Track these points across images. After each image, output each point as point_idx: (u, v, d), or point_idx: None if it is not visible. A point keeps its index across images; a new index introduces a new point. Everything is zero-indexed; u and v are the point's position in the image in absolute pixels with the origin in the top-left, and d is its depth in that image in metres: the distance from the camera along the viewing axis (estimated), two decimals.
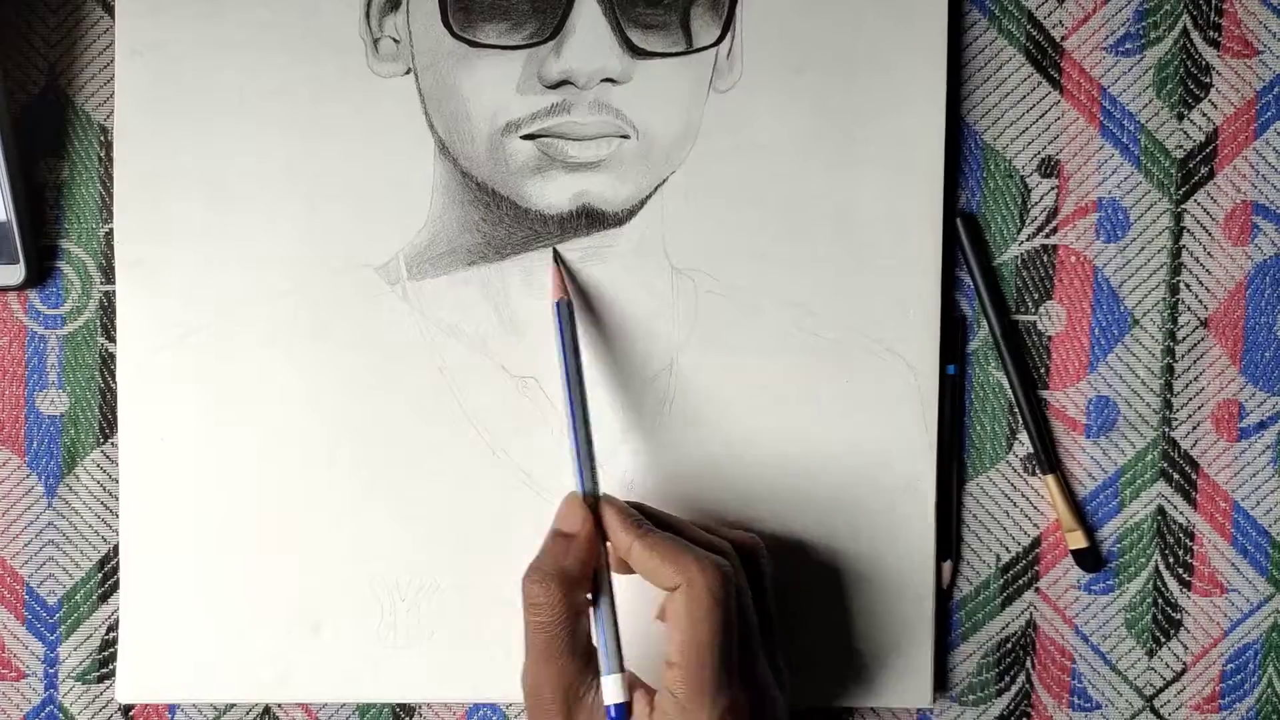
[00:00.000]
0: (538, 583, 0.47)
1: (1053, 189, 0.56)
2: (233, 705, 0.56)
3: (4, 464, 0.56)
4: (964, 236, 0.55)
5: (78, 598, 0.56)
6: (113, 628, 0.56)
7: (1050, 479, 0.55)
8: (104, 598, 0.56)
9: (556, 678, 0.47)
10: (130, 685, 0.55)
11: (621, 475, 0.55)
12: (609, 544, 0.49)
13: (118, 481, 0.55)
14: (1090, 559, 0.55)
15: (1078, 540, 0.55)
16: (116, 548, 0.55)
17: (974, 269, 0.55)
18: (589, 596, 0.48)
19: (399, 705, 0.56)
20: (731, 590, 0.47)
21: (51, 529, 0.56)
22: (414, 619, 0.55)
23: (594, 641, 0.48)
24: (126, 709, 0.56)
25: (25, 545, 0.56)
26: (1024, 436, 0.56)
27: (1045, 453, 0.55)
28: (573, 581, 0.48)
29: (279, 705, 0.56)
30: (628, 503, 0.50)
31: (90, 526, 0.56)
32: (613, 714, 0.47)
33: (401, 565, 0.55)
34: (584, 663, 0.48)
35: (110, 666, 0.56)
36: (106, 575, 0.56)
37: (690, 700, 0.45)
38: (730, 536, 0.51)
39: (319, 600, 0.55)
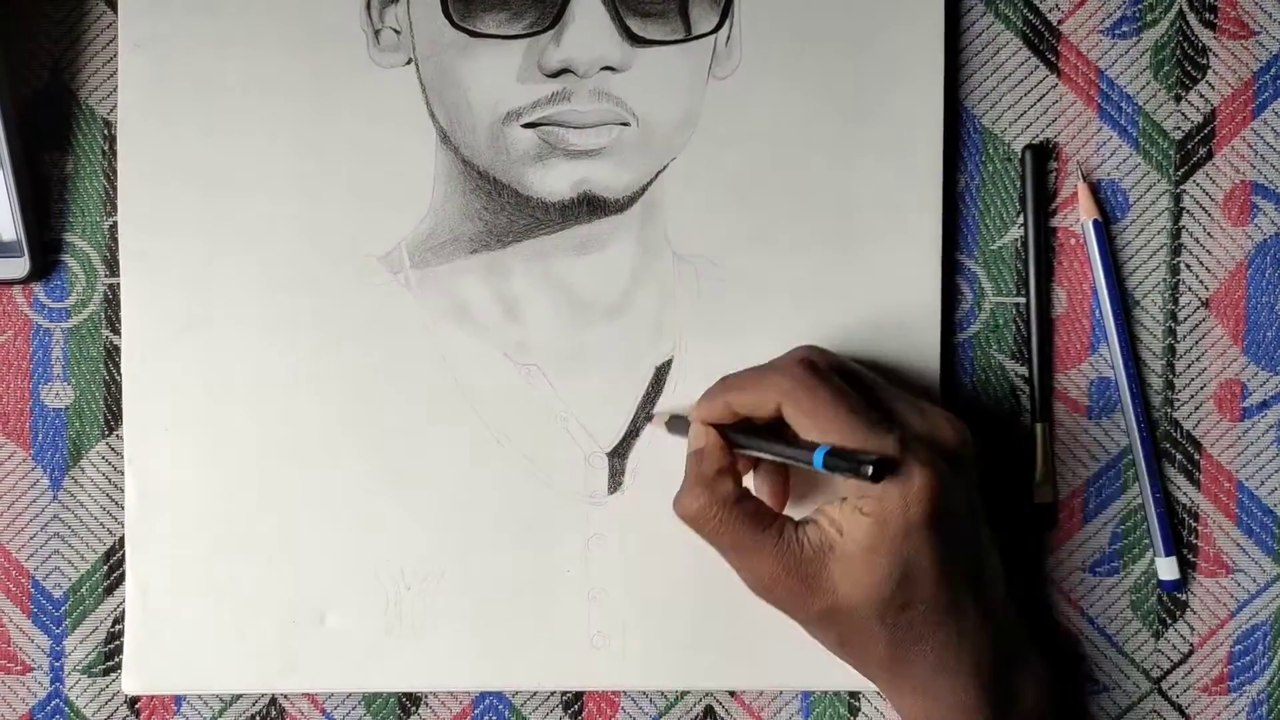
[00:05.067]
0: (684, 501, 0.50)
1: (1051, 172, 0.56)
2: (239, 696, 0.56)
3: (9, 457, 0.56)
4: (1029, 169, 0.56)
5: (83, 590, 0.56)
6: (118, 620, 0.56)
7: (1039, 428, 0.55)
8: (109, 590, 0.56)
9: (767, 554, 0.48)
10: (136, 677, 0.55)
11: (628, 461, 0.55)
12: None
13: (123, 474, 0.55)
14: (1048, 516, 0.56)
15: (1044, 495, 0.56)
16: (122, 540, 0.55)
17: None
18: (740, 487, 0.50)
19: (405, 694, 0.56)
20: (817, 356, 0.51)
21: (57, 522, 0.56)
22: (419, 608, 0.55)
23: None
24: (133, 701, 0.56)
25: (31, 538, 0.56)
26: (1026, 419, 0.56)
27: (1041, 401, 0.55)
28: (712, 482, 0.50)
29: (285, 696, 0.56)
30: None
31: (95, 519, 0.56)
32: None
33: (406, 554, 0.55)
34: (768, 523, 0.49)
35: (116, 659, 0.56)
36: (112, 568, 0.56)
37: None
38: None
39: (324, 590, 0.55)
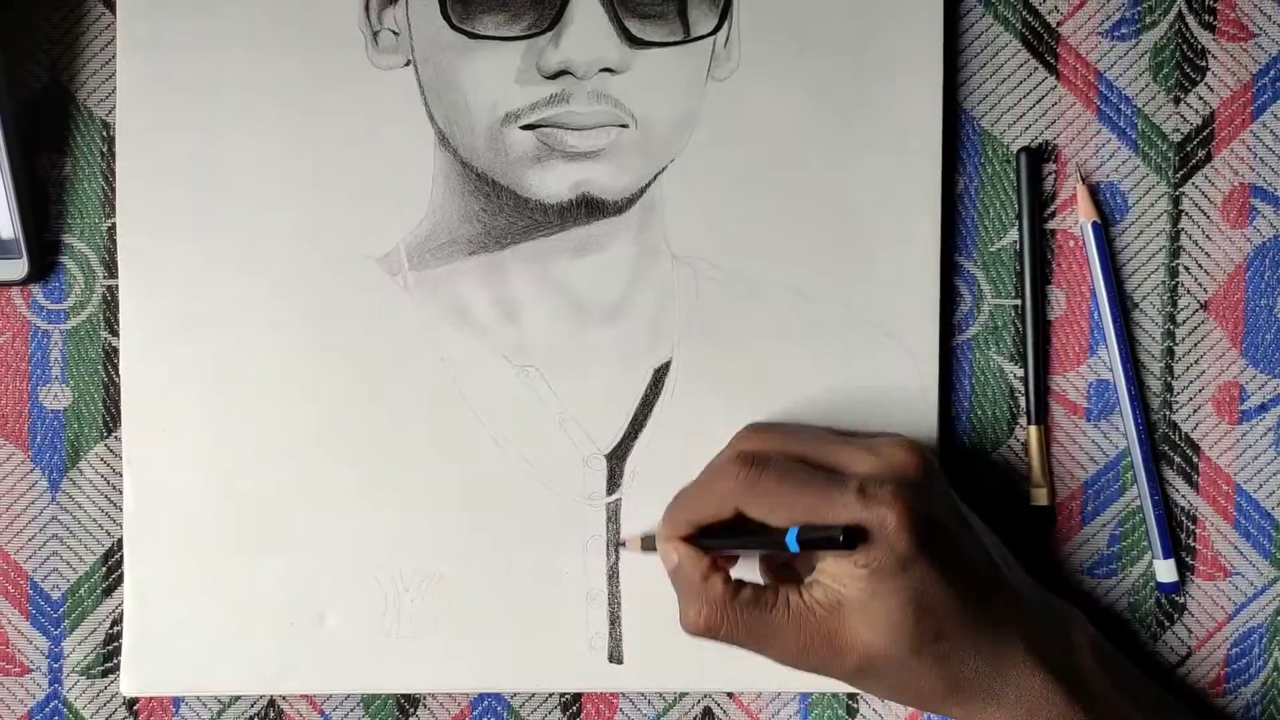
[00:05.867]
0: (687, 617, 0.50)
1: (1050, 174, 0.56)
2: (237, 698, 0.56)
3: (8, 459, 0.56)
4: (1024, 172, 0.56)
5: (81, 592, 0.56)
6: (117, 621, 0.56)
7: (1034, 430, 0.55)
8: (108, 591, 0.56)
9: (785, 631, 0.49)
10: (135, 679, 0.55)
11: (626, 463, 0.55)
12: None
13: (121, 475, 0.55)
14: (1045, 519, 0.56)
15: (1040, 498, 0.56)
16: (120, 541, 0.55)
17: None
18: (729, 581, 0.50)
19: (404, 696, 0.56)
20: (755, 441, 0.52)
21: (55, 523, 0.56)
22: (418, 609, 0.55)
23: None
24: (131, 702, 0.56)
25: (29, 540, 0.56)
26: (1024, 421, 0.56)
27: (1036, 403, 0.55)
28: (701, 589, 0.50)
29: (284, 697, 0.56)
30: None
31: (94, 520, 0.56)
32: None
33: (405, 555, 0.55)
34: (772, 601, 0.49)
35: (115, 660, 0.56)
36: (110, 569, 0.56)
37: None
38: None
39: (323, 591, 0.55)
